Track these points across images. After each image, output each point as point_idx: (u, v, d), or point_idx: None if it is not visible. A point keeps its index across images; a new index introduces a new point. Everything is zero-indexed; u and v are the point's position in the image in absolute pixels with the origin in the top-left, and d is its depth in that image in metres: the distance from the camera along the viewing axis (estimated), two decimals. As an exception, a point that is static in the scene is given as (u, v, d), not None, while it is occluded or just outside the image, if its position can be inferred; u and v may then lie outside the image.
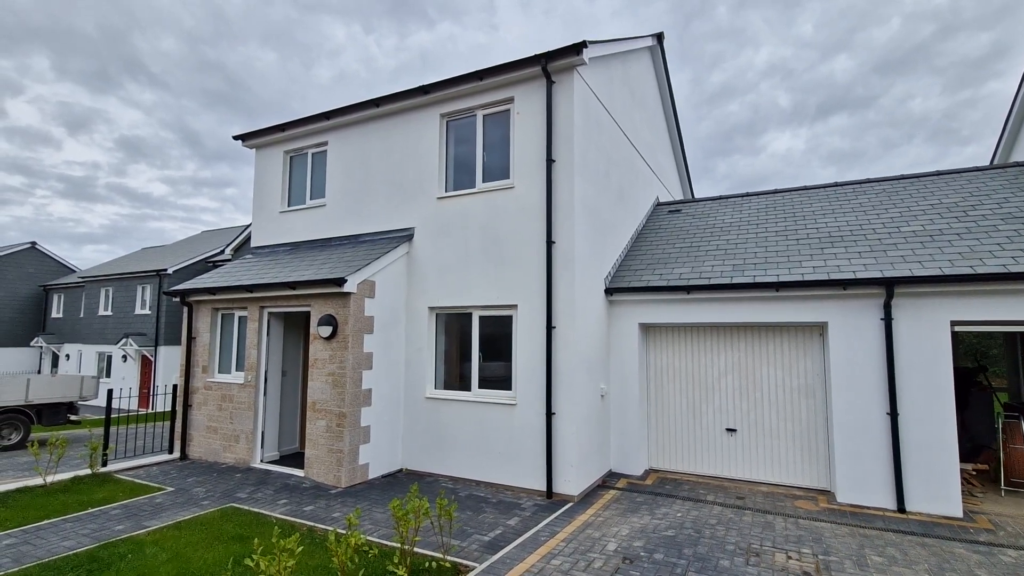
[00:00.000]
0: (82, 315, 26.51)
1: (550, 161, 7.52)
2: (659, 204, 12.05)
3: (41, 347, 28.35)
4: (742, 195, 11.16)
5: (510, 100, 8.05)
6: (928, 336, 6.62)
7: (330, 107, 9.52)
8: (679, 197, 14.77)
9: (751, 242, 8.82)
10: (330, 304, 7.89)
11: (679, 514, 6.47)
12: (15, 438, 12.20)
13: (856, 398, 6.89)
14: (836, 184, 10.26)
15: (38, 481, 7.57)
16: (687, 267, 8.53)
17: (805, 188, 10.57)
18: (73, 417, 13.61)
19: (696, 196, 15.43)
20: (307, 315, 9.29)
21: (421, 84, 8.51)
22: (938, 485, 6.42)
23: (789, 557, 5.20)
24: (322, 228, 9.78)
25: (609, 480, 7.97)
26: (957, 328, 6.72)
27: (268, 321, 8.92)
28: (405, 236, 8.77)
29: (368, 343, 7.95)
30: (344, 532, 4.07)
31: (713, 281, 7.83)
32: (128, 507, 6.66)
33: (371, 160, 9.30)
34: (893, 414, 6.61)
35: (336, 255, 8.81)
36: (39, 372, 28.60)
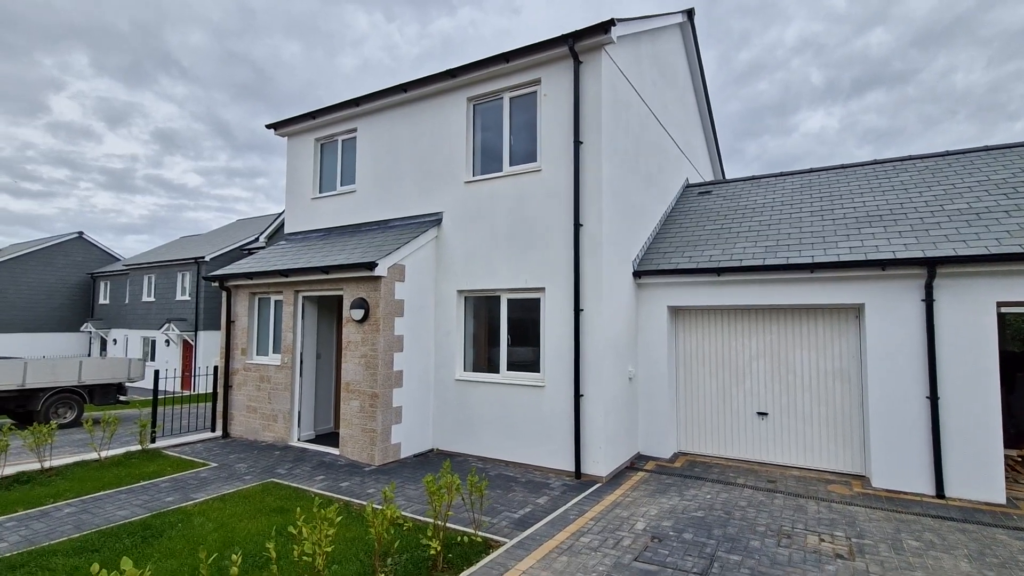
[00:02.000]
0: (127, 301, 27.70)
1: (577, 143, 7.46)
2: (688, 186, 11.83)
3: (90, 332, 29.78)
4: (775, 175, 10.86)
5: (537, 82, 8.00)
6: (972, 318, 6.38)
7: (358, 94, 9.62)
8: (709, 179, 14.47)
9: (784, 223, 8.61)
10: (362, 288, 8.06)
11: (708, 496, 6.46)
12: (70, 416, 12.94)
13: (894, 382, 6.71)
14: (875, 162, 9.89)
15: (93, 456, 8.04)
16: (718, 249, 8.39)
17: (842, 166, 10.22)
18: (122, 397, 14.33)
19: (727, 178, 15.07)
20: (340, 299, 9.52)
21: (448, 68, 8.52)
22: (980, 471, 6.23)
23: (822, 539, 5.15)
24: (353, 214, 9.96)
25: (637, 462, 8.00)
26: (1004, 310, 6.46)
27: (303, 305, 9.18)
28: (434, 221, 8.86)
29: (399, 326, 8.11)
30: (379, 506, 4.22)
31: (745, 263, 7.69)
32: (176, 480, 7.02)
33: (399, 146, 9.40)
34: (933, 398, 6.42)
35: (367, 240, 8.98)
36: (89, 355, 30.09)
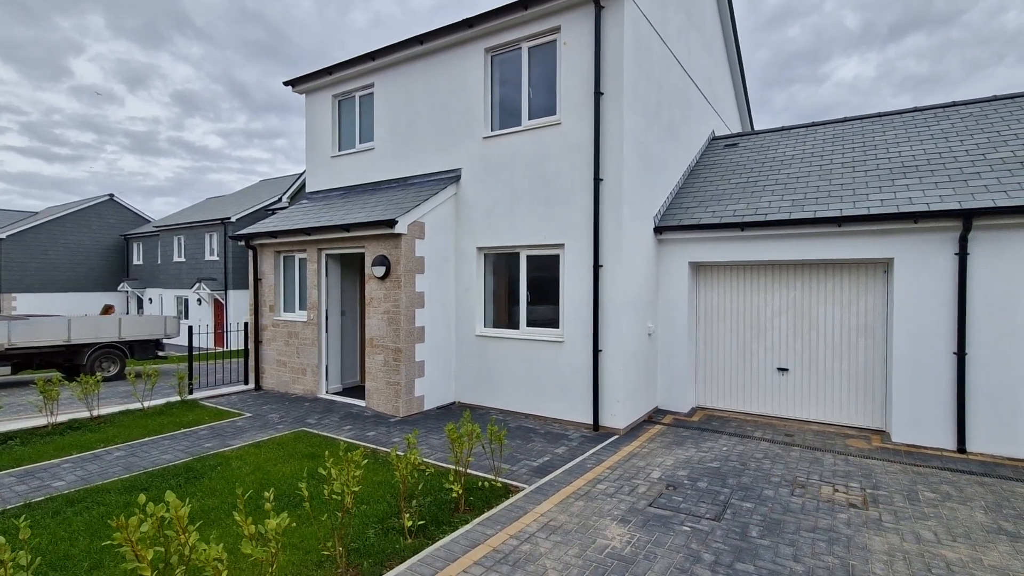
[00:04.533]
0: (159, 262, 28.58)
1: (598, 94, 7.25)
2: (714, 138, 11.45)
3: (127, 291, 30.94)
4: (806, 125, 10.41)
5: (556, 30, 7.72)
6: (1009, 273, 6.16)
7: (373, 48, 9.44)
8: (737, 130, 13.95)
9: (813, 175, 8.32)
10: (383, 245, 8.16)
11: (724, 448, 6.57)
12: (113, 370, 13.65)
13: (921, 337, 6.59)
14: (915, 109, 9.38)
15: (137, 406, 8.53)
16: (742, 203, 8.19)
17: (879, 115, 9.72)
18: (160, 353, 15.02)
19: (755, 129, 14.51)
20: (362, 256, 9.66)
21: (465, 18, 8.27)
22: (1005, 426, 6.17)
23: (836, 490, 5.23)
24: (372, 171, 9.97)
25: (655, 416, 8.13)
26: (1042, 263, 6.21)
27: (326, 262, 9.36)
28: (453, 177, 8.82)
29: (420, 283, 8.23)
30: (403, 453, 4.42)
31: (770, 217, 7.51)
32: (214, 428, 7.43)
33: (417, 101, 9.27)
34: (960, 353, 6.31)
35: (386, 198, 9.01)
36: (127, 314, 31.40)
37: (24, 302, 28.02)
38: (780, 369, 7.92)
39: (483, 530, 4.30)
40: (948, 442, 6.44)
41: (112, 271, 31.71)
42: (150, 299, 29.19)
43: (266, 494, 3.29)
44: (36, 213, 35.07)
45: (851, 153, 8.64)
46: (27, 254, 28.75)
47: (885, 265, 7.14)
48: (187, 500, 3.23)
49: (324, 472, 3.78)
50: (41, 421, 7.54)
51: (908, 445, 6.61)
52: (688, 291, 8.33)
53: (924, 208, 6.49)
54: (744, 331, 8.21)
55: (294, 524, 4.20)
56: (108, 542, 2.92)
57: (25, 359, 12.77)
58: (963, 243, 6.31)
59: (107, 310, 14.38)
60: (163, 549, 2.88)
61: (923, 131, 8.52)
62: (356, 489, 3.70)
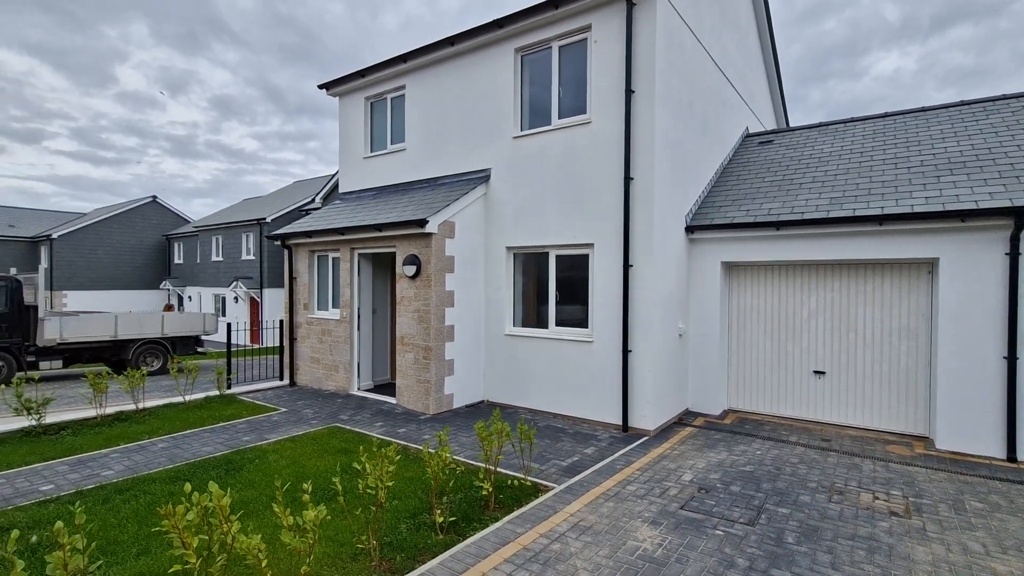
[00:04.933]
0: (198, 261, 29.60)
1: (629, 92, 7.19)
2: (748, 135, 11.20)
3: (168, 289, 32.15)
4: (844, 121, 10.08)
5: (587, 28, 7.69)
6: (1064, 273, 5.85)
7: (404, 50, 9.58)
8: (772, 127, 13.62)
9: (853, 172, 8.06)
10: (414, 245, 8.28)
11: (758, 452, 6.43)
12: (156, 365, 14.23)
13: (968, 340, 6.32)
14: (962, 103, 8.99)
15: (179, 399, 8.87)
16: (777, 202, 8.00)
17: (923, 109, 9.35)
18: (200, 349, 15.59)
19: (790, 126, 14.14)
20: (393, 255, 9.82)
21: (495, 18, 8.31)
22: (1060, 435, 5.86)
23: (876, 497, 5.07)
24: (403, 172, 10.11)
25: (686, 418, 8.01)
26: (1103, 263, 5.88)
27: (358, 262, 9.54)
28: (482, 177, 8.88)
29: (450, 282, 8.31)
30: (435, 450, 4.48)
31: (807, 216, 7.31)
32: (251, 422, 7.67)
33: (447, 102, 9.36)
34: (1011, 358, 6.02)
35: (417, 198, 9.13)
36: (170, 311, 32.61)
37: (74, 299, 29.41)
38: (816, 372, 7.70)
39: (513, 528, 4.32)
40: (997, 450, 6.16)
41: (155, 269, 33.00)
42: (189, 297, 30.25)
43: (304, 486, 3.38)
44: (85, 214, 36.79)
45: (893, 149, 8.34)
46: (77, 253, 30.18)
47: (929, 266, 6.87)
48: (227, 491, 3.36)
49: (358, 467, 3.86)
50: (91, 412, 7.91)
51: (953, 453, 6.35)
52: (720, 291, 8.18)
53: (973, 206, 6.21)
54: (779, 332, 8.02)
55: (329, 517, 4.30)
56: (156, 528, 3.05)
57: (75, 353, 13.43)
58: (1015, 243, 6.02)
59: (168, 309, 15.10)
60: (207, 537, 3.00)
61: (970, 126, 8.16)
62: (390, 484, 3.77)
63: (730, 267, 8.40)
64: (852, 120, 9.97)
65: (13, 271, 13.93)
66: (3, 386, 7.71)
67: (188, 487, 2.95)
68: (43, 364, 12.89)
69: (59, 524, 2.54)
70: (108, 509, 4.71)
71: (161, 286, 32.42)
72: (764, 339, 8.15)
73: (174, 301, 32.10)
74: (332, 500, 4.77)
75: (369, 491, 3.76)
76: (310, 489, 3.42)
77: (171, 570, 2.92)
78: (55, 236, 29.39)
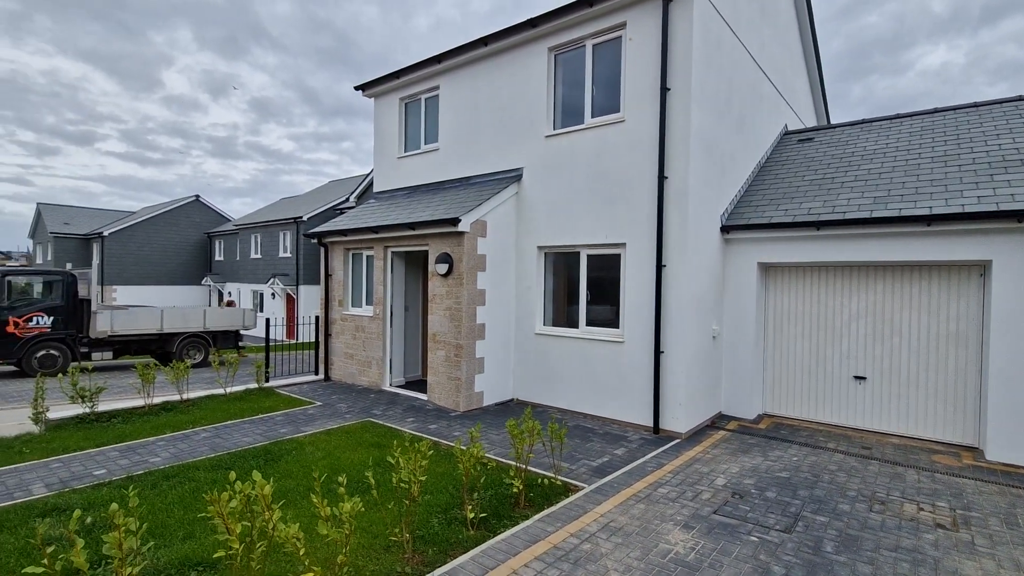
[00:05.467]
0: (238, 258, 30.61)
1: (664, 90, 7.09)
2: (787, 133, 10.90)
3: (210, 285, 33.37)
4: (889, 117, 9.71)
5: (622, 26, 7.62)
6: None
7: (437, 51, 9.68)
8: (812, 124, 13.22)
9: (899, 171, 7.76)
10: (446, 243, 8.37)
11: (795, 458, 6.27)
12: (198, 358, 14.79)
13: (1022, 347, 6.00)
14: (1018, 99, 8.53)
15: (220, 391, 9.20)
16: (818, 201, 7.76)
17: (975, 105, 8.93)
18: (240, 343, 16.13)
19: (831, 123, 13.69)
20: (426, 254, 9.94)
21: (529, 18, 8.32)
22: (1125, 449, 5.52)
23: (920, 508, 4.87)
24: (436, 171, 10.23)
25: (719, 421, 7.86)
26: None
27: (392, 260, 9.71)
28: (514, 176, 8.91)
29: (481, 280, 8.38)
30: (465, 447, 4.53)
31: (849, 216, 7.08)
32: (288, 415, 7.90)
33: (480, 101, 9.42)
34: (1071, 367, 5.70)
35: (450, 197, 9.23)
36: (209, 306, 33.88)
37: (123, 293, 30.82)
38: (857, 377, 7.45)
39: (543, 527, 4.33)
40: (1055, 464, 5.84)
41: (197, 266, 34.29)
42: (229, 293, 31.32)
43: (340, 479, 3.48)
44: (133, 212, 38.49)
45: (942, 147, 7.99)
46: (125, 250, 31.62)
47: (981, 268, 6.56)
48: (269, 480, 3.50)
49: (392, 461, 3.94)
50: (139, 402, 8.29)
51: (1006, 464, 6.05)
52: (756, 293, 7.99)
53: (1030, 206, 5.90)
54: (817, 336, 7.79)
55: (363, 509, 4.41)
56: (202, 515, 3.19)
57: (124, 345, 14.08)
58: (1077, 244, 5.70)
59: (229, 304, 15.74)
60: (249, 524, 3.12)
61: (1029, 121, 7.74)
62: (422, 479, 3.84)
63: (767, 268, 8.20)
64: (898, 116, 9.60)
65: (69, 266, 14.70)
66: (60, 375, 8.14)
67: (232, 475, 3.08)
68: (95, 355, 13.57)
69: (114, 506, 2.68)
70: (156, 494, 4.94)
71: (203, 282, 33.66)
72: (802, 342, 7.93)
73: (214, 297, 33.27)
74: (366, 493, 4.87)
75: (403, 485, 3.84)
76: (344, 482, 3.51)
77: (215, 554, 3.04)
78: (106, 233, 30.86)
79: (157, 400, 8.42)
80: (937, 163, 7.55)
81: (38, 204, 37.26)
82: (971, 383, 6.64)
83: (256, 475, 3.09)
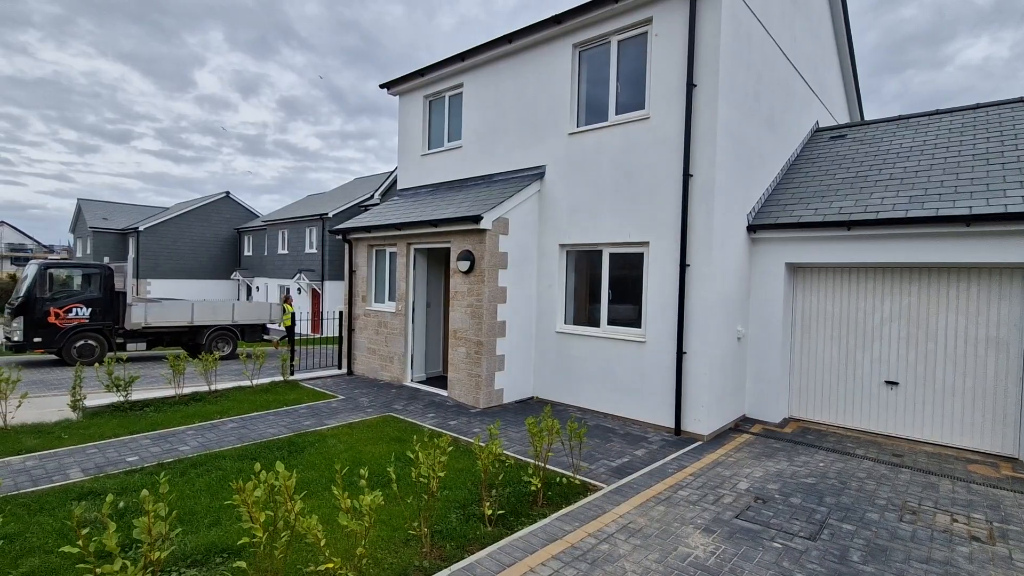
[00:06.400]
0: (266, 253, 31.29)
1: (691, 86, 6.97)
2: (818, 130, 10.62)
3: (238, 280, 34.20)
4: (928, 113, 9.36)
5: (648, 21, 7.51)
6: None
7: (461, 49, 9.69)
8: (844, 120, 12.84)
9: (937, 169, 7.48)
10: (468, 240, 8.40)
11: (821, 464, 6.11)
12: (227, 350, 15.17)
13: (1068, 354, 5.74)
14: (1070, 92, 8.12)
15: (247, 383, 9.42)
16: (850, 200, 7.54)
17: (1020, 100, 8.54)
18: (266, 336, 16.51)
19: (865, 119, 13.27)
20: (448, 251, 10.00)
21: (553, 14, 8.27)
22: None
23: (954, 519, 4.70)
24: (459, 169, 10.27)
25: (742, 424, 7.72)
26: None
27: (414, 256, 9.79)
28: (537, 174, 8.88)
29: (502, 278, 8.38)
30: (485, 443, 4.54)
31: (882, 215, 6.85)
32: (312, 408, 8.05)
33: (503, 99, 9.42)
34: (1121, 376, 5.42)
35: (472, 194, 9.26)
36: (238, 300, 34.68)
37: (157, 287, 31.83)
38: (888, 382, 7.22)
39: (561, 525, 4.32)
40: (1101, 477, 5.57)
41: (227, 261, 35.17)
42: (257, 287, 32.05)
43: (361, 471, 3.53)
44: (167, 208, 39.67)
45: (984, 144, 7.67)
46: (159, 244, 32.62)
47: (1024, 271, 6.28)
48: (292, 472, 3.57)
49: (411, 455, 3.98)
50: (170, 392, 8.54)
51: (1048, 477, 5.79)
52: (784, 294, 7.81)
53: (1078, 206, 5.63)
54: (847, 339, 7.57)
55: (382, 502, 4.47)
56: (229, 502, 3.27)
57: (157, 337, 14.54)
58: None
59: (287, 299, 16.14)
60: (272, 513, 3.19)
61: (1080, 117, 7.38)
62: (442, 474, 3.86)
63: (795, 269, 8.01)
64: (937, 112, 9.25)
65: (106, 260, 15.24)
66: (96, 365, 8.45)
67: (257, 466, 3.15)
68: (129, 346, 14.05)
69: (144, 492, 2.77)
70: (185, 481, 5.08)
71: (232, 276, 34.51)
72: (830, 345, 7.72)
73: (243, 291, 34.07)
74: (386, 486, 4.93)
75: (422, 479, 3.87)
76: (366, 475, 3.56)
77: (240, 542, 3.11)
78: (141, 228, 31.89)
79: (187, 390, 8.67)
80: (978, 161, 7.25)
81: (78, 200, 38.70)
82: (1011, 391, 6.37)
83: (280, 466, 3.15)
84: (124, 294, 13.88)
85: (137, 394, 8.46)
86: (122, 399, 7.82)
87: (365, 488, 3.41)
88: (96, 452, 5.95)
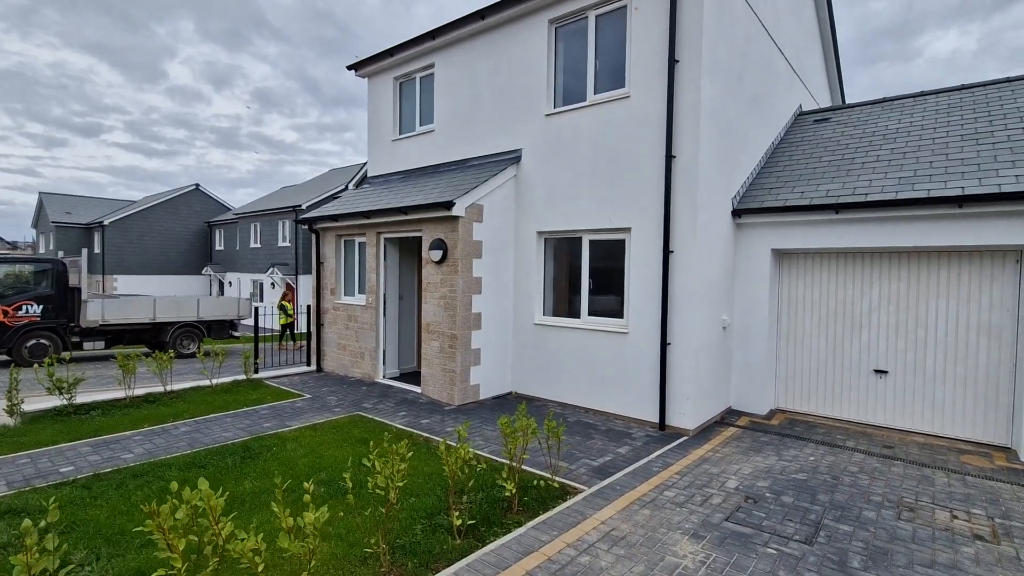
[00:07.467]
0: (237, 247, 30.28)
1: (673, 62, 6.58)
2: (801, 113, 10.34)
3: (210, 275, 33.11)
4: (913, 95, 9.13)
5: (627, -6, 7.09)
6: None
7: (436, 25, 9.16)
8: (826, 104, 12.62)
9: (925, 150, 7.23)
10: (440, 228, 7.93)
11: (811, 458, 5.83)
12: (192, 348, 14.46)
13: (1063, 340, 5.53)
14: (1056, 72, 7.94)
15: (206, 383, 8.84)
16: (837, 183, 7.25)
17: (1007, 80, 8.34)
18: (234, 333, 15.79)
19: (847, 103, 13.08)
20: (419, 240, 9.50)
21: (528, -13, 7.80)
22: None
23: (954, 516, 4.43)
24: (432, 154, 9.76)
25: (728, 417, 7.43)
26: None
27: (385, 246, 9.28)
28: (513, 158, 8.43)
29: (477, 268, 7.94)
30: (455, 444, 4.13)
31: (872, 197, 6.57)
32: (274, 408, 7.52)
33: (477, 80, 8.92)
34: (1118, 361, 5.22)
35: (445, 180, 8.77)
36: (210, 295, 33.58)
37: (123, 283, 30.60)
38: (877, 371, 6.99)
39: (537, 535, 3.93)
40: (1096, 466, 5.38)
41: (197, 255, 34.01)
42: (230, 282, 31.04)
43: (306, 485, 3.08)
44: (135, 202, 38.20)
45: (972, 124, 7.44)
46: (126, 239, 31.36)
47: (1017, 254, 6.06)
48: (241, 482, 3.12)
49: (368, 464, 3.53)
50: (121, 394, 7.93)
51: (1042, 467, 5.59)
52: (769, 281, 7.51)
53: (1075, 185, 5.39)
54: (835, 327, 7.31)
55: (341, 513, 4.03)
56: (139, 528, 2.79)
57: (117, 335, 13.77)
58: None
59: (285, 298, 15.37)
60: (196, 539, 2.73)
61: (1068, 96, 7.19)
62: (400, 484, 3.43)
63: (781, 254, 7.72)
64: (922, 94, 9.02)
65: (60, 254, 14.37)
66: (36, 366, 7.80)
67: (175, 485, 2.67)
68: (87, 345, 13.27)
69: (27, 523, 2.28)
70: (120, 495, 4.57)
71: (203, 272, 33.39)
72: (818, 334, 7.46)
73: (215, 287, 33.00)
74: (347, 495, 4.49)
75: (379, 491, 3.43)
76: (324, 480, 3.10)
77: (154, 574, 2.64)
78: (106, 223, 30.59)
79: (140, 392, 8.08)
80: (968, 141, 7.02)
81: (40, 194, 37.05)
82: (1004, 378, 6.16)
83: (203, 483, 2.68)
84: (79, 290, 13.07)
85: (86, 396, 7.85)
86: (65, 403, 7.21)
87: (310, 503, 2.97)
88: (27, 463, 5.39)
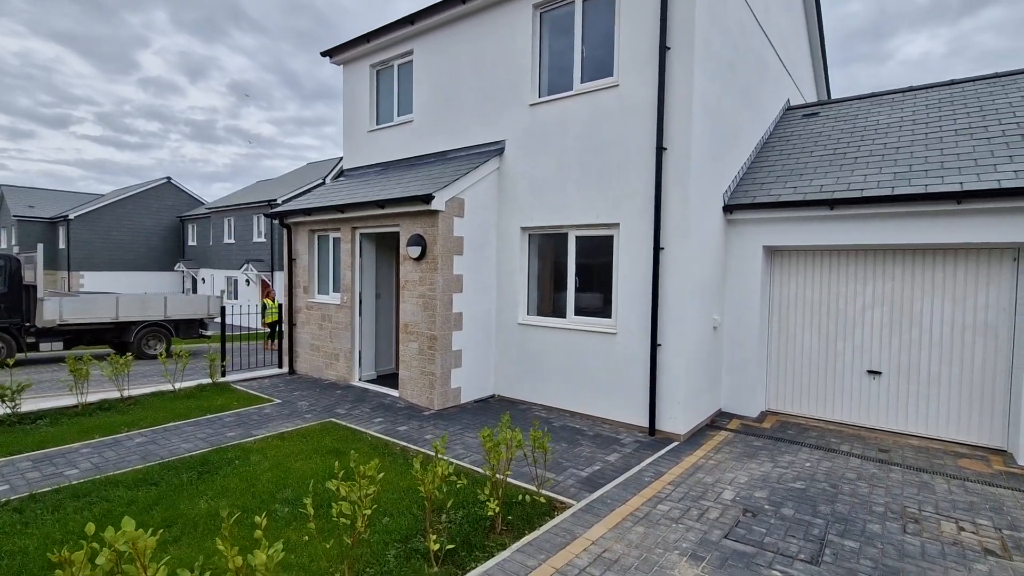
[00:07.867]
0: (211, 243, 29.29)
1: (664, 49, 6.26)
2: (790, 108, 10.14)
3: (183, 271, 31.98)
4: (902, 90, 8.98)
5: (616, -23, 6.74)
6: None
7: (413, 10, 8.70)
8: (813, 99, 12.48)
9: (919, 144, 7.04)
10: (418, 223, 7.50)
11: (807, 464, 5.58)
12: (160, 348, 13.77)
13: (1063, 340, 5.36)
14: (1046, 67, 7.84)
15: (169, 387, 8.29)
16: (830, 178, 7.03)
17: (996, 75, 8.23)
18: (205, 333, 15.11)
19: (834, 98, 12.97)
20: (397, 236, 9.07)
21: (511, -31, 7.40)
22: None
23: (961, 528, 4.20)
24: (411, 146, 9.31)
25: (719, 420, 7.18)
26: None
27: (360, 242, 8.81)
28: (496, 150, 8.04)
29: (458, 265, 7.54)
30: (433, 455, 3.75)
31: (867, 193, 6.35)
32: (240, 415, 7.03)
33: (458, 67, 8.50)
34: (1120, 362, 5.06)
35: (424, 173, 8.34)
36: (183, 293, 32.45)
37: (91, 280, 29.36)
38: (871, 372, 6.79)
39: (523, 560, 3.57)
40: (1096, 470, 5.23)
41: (169, 251, 32.84)
42: (203, 279, 30.03)
43: (258, 519, 2.67)
44: (102, 195, 36.73)
45: (965, 119, 7.28)
46: (93, 234, 30.08)
47: (1014, 252, 5.88)
48: (196, 502, 2.70)
49: (332, 488, 3.12)
50: (73, 400, 7.36)
51: (1040, 471, 5.43)
52: (761, 279, 7.27)
53: (1077, 180, 5.21)
54: (827, 326, 7.10)
55: (307, 537, 3.62)
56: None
57: (76, 335, 13.03)
58: None
59: (268, 293, 14.59)
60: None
61: (1060, 91, 7.06)
62: (368, 512, 3.04)
63: (773, 252, 7.48)
64: (912, 89, 8.87)
65: (15, 250, 13.56)
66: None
67: (91, 527, 2.24)
68: (43, 346, 12.52)
69: None
70: (56, 519, 4.08)
71: (175, 268, 32.27)
72: (810, 333, 7.24)
73: (188, 283, 31.92)
74: (309, 522, 4.08)
75: (343, 520, 3.03)
76: (263, 521, 2.70)
77: (68, 634, 2.21)
78: (72, 217, 29.30)
79: (94, 398, 7.51)
80: (963, 136, 6.84)
81: (0, 187, 35.35)
82: (1000, 380, 6.00)
83: (128, 523, 2.26)
84: (34, 287, 12.31)
85: (33, 404, 7.28)
86: (9, 411, 6.62)
87: (261, 537, 2.56)
88: (-43, 481, 4.84)
